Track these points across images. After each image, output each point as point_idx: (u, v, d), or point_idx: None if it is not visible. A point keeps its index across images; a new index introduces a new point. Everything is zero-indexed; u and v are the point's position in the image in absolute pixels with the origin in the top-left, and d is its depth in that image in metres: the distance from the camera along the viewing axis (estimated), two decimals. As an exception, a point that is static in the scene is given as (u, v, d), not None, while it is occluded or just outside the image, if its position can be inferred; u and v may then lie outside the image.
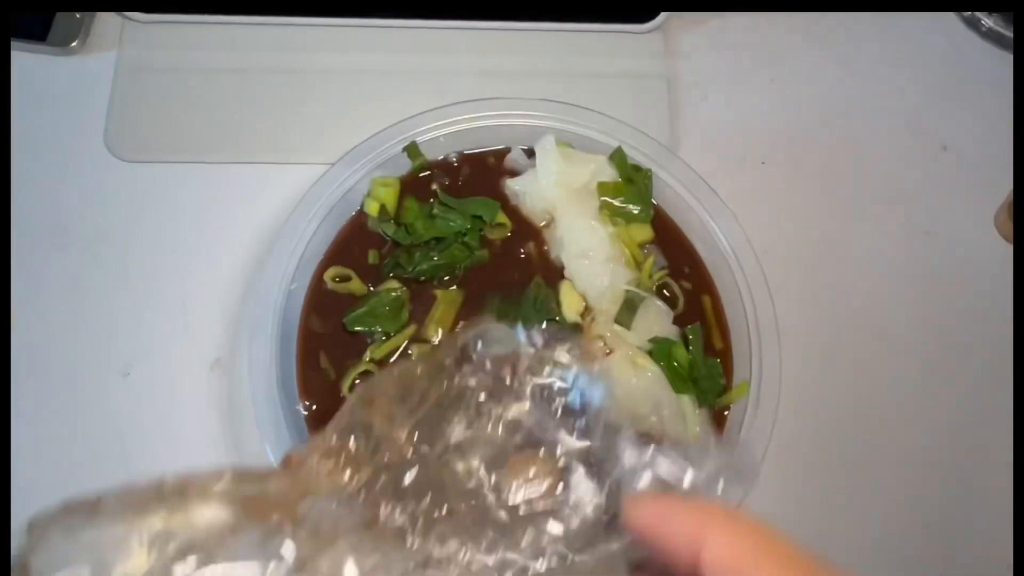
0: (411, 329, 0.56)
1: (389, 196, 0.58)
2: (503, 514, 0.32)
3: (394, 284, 0.57)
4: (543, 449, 0.33)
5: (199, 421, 0.57)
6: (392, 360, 0.55)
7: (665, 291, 0.58)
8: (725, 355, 0.56)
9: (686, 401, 0.53)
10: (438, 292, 0.56)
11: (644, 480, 0.33)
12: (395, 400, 0.34)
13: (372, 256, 0.58)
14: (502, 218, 0.58)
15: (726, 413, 0.55)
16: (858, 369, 0.60)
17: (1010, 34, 0.69)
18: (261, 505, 0.30)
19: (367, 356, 0.55)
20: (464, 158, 0.61)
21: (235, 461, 0.56)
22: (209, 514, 0.29)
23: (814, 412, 0.58)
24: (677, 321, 0.56)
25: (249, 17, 0.66)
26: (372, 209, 0.58)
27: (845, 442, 0.58)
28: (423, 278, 0.57)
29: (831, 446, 0.58)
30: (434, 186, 0.59)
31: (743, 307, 0.56)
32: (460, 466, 0.33)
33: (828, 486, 0.57)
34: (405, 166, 0.60)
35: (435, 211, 0.57)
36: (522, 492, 0.32)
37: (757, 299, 0.55)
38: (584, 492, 0.32)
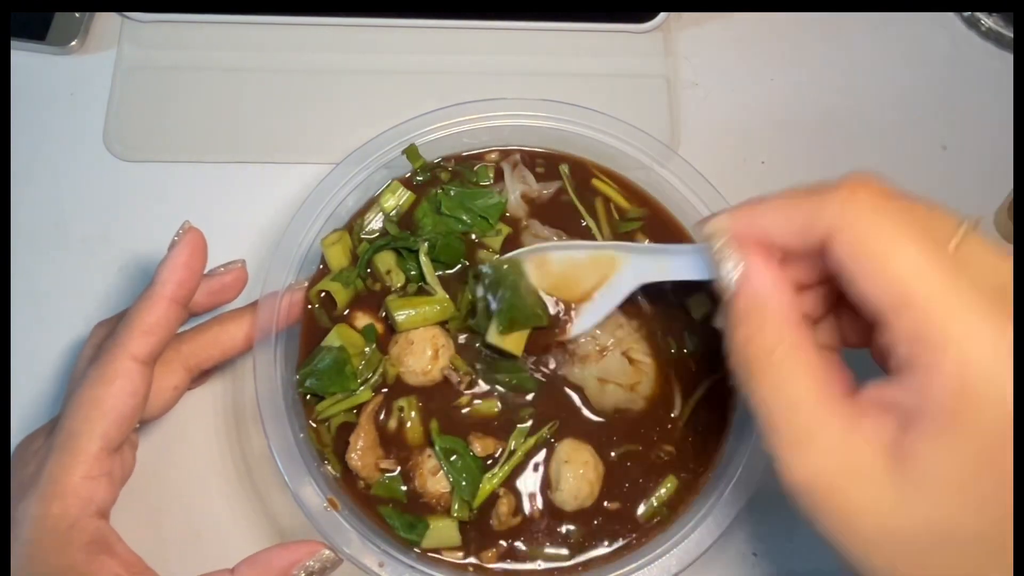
0: (370, 390, 0.53)
1: (405, 201, 0.58)
2: None
3: (357, 327, 0.54)
4: None
5: (199, 419, 0.57)
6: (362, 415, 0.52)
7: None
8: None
9: None
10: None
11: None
12: None
13: (384, 262, 0.57)
14: (504, 226, 0.58)
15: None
16: (858, 368, 0.60)
17: (1010, 34, 0.69)
18: None
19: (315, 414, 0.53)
20: (464, 159, 0.61)
21: (236, 454, 0.56)
22: None
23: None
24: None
25: (249, 17, 0.66)
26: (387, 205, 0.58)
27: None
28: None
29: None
30: (438, 190, 0.59)
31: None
32: None
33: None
34: (406, 167, 0.60)
35: (443, 209, 0.57)
36: None
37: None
38: None
